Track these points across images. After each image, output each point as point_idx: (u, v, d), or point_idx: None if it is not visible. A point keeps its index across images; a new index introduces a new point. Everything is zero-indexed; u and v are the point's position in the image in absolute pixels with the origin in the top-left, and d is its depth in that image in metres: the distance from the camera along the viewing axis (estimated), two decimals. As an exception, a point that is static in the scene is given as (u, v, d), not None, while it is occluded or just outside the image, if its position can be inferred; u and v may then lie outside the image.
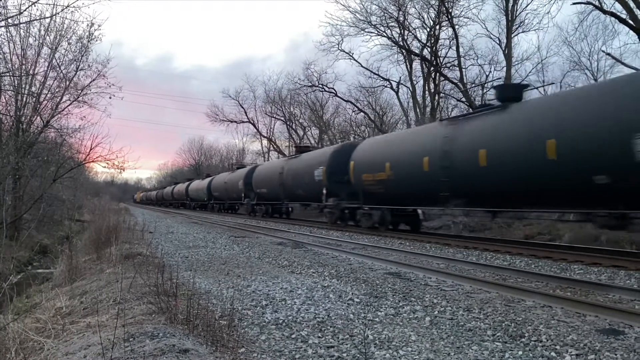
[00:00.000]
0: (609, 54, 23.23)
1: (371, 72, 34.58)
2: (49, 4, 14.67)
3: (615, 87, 10.03)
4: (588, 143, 9.48)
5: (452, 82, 29.85)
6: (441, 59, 30.77)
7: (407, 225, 17.63)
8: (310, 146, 32.70)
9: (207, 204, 44.33)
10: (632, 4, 17.85)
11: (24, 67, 19.54)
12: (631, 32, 19.19)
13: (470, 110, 15.07)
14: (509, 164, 11.35)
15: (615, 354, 4.11)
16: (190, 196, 51.06)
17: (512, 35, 26.77)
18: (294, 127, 50.56)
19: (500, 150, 11.62)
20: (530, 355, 4.15)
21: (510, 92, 13.15)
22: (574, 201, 10.60)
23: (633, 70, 20.25)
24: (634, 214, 9.30)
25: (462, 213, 14.37)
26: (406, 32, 30.78)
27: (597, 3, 19.78)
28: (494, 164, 11.74)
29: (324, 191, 20.23)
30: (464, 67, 28.98)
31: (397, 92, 35.26)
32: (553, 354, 4.17)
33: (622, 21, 18.96)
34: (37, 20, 17.00)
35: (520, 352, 4.21)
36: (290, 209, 28.04)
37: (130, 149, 31.97)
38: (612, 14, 19.42)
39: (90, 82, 20.18)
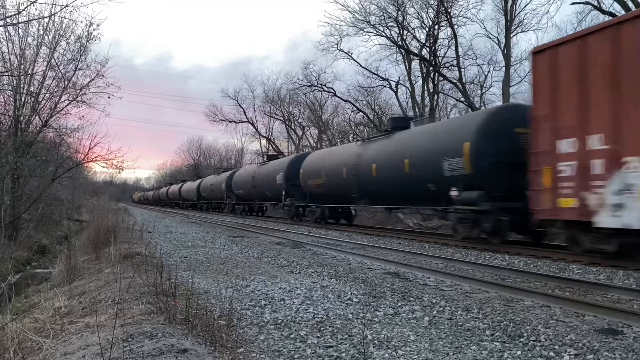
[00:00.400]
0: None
1: (370, 71, 34.65)
2: (48, 4, 14.73)
3: (437, 125, 16.09)
4: (424, 162, 14.01)
5: (451, 82, 29.90)
6: (440, 58, 30.81)
7: (344, 219, 22.49)
8: (277, 154, 37.55)
9: (197, 204, 48.02)
10: (630, 4, 17.90)
11: (22, 66, 19.54)
12: (630, 32, 19.19)
13: (384, 129, 19.37)
14: (387, 175, 15.96)
15: (614, 354, 4.11)
16: (182, 196, 54.54)
17: (511, 35, 26.81)
18: (292, 127, 50.62)
19: (383, 165, 16.26)
20: (529, 355, 4.15)
21: (399, 123, 17.57)
22: (422, 201, 14.98)
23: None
24: (451, 209, 13.21)
25: (368, 209, 20.48)
26: (405, 32, 30.83)
27: (595, 3, 19.85)
28: (380, 175, 16.40)
29: (283, 192, 24.57)
30: (462, 67, 29.08)
31: (396, 92, 35.32)
32: (552, 353, 4.17)
33: (621, 21, 18.97)
34: (35, 19, 17.04)
35: (519, 352, 4.21)
36: (265, 207, 31.90)
37: (128, 149, 32.17)
38: (611, 14, 19.44)
39: (89, 82, 20.22)
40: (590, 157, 8.92)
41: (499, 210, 11.74)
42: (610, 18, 19.81)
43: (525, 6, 26.73)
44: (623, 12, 18.38)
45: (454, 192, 12.94)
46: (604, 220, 8.64)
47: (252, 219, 28.91)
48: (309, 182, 21.85)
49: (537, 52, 10.28)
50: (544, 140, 9.83)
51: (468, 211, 12.50)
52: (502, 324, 5.05)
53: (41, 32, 19.78)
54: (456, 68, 28.80)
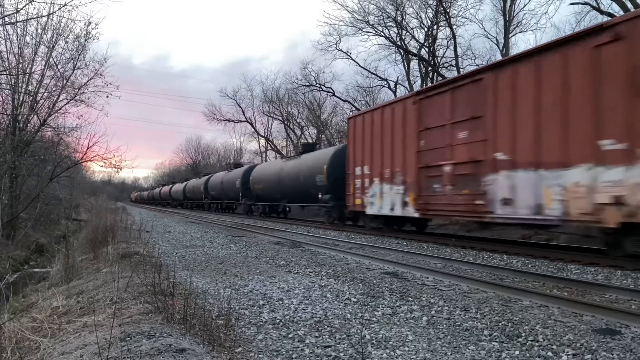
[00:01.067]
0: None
1: (369, 71, 34.72)
2: (46, 3, 14.78)
3: (317, 153, 23.48)
4: (308, 176, 21.91)
5: (450, 82, 29.86)
6: (439, 59, 30.86)
7: (279, 214, 29.78)
8: (240, 163, 43.36)
9: (183, 203, 51.48)
10: (629, 5, 17.91)
11: (20, 65, 19.51)
12: (628, 32, 19.21)
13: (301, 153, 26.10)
14: (293, 184, 23.84)
15: (612, 354, 4.11)
16: (172, 197, 58.49)
17: (510, 35, 26.87)
18: (291, 126, 50.60)
19: (291, 177, 24.23)
20: (527, 355, 4.16)
21: (307, 147, 25.93)
22: (309, 201, 22.48)
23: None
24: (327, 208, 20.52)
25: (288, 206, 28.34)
26: (404, 32, 30.86)
27: (594, 3, 19.87)
28: (289, 183, 24.36)
29: (240, 194, 32.49)
30: (461, 67, 29.06)
31: (394, 92, 35.28)
32: (550, 353, 4.17)
33: (619, 22, 18.99)
34: (34, 18, 17.02)
35: (517, 352, 4.21)
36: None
37: (127, 148, 32.11)
38: (610, 15, 19.46)
39: (88, 81, 20.23)
40: (364, 178, 16.83)
41: (340, 205, 19.19)
42: (609, 19, 19.87)
43: (524, 6, 26.85)
44: (622, 12, 18.40)
45: (319, 195, 20.65)
46: (368, 210, 16.50)
47: (250, 218, 28.86)
48: (255, 186, 30.33)
49: (350, 118, 18.78)
50: (350, 167, 17.85)
51: (326, 206, 20.49)
52: (500, 324, 5.05)
53: (39, 31, 19.77)
54: (455, 68, 28.84)
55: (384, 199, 15.48)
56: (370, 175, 16.35)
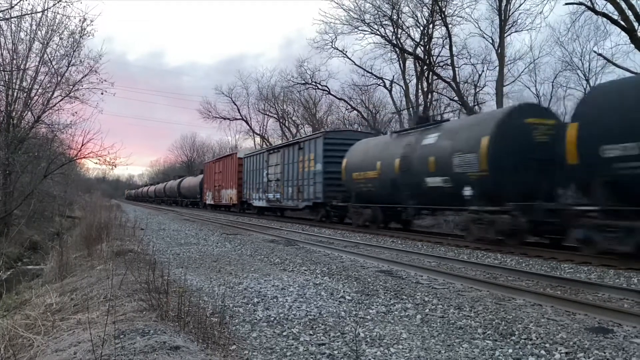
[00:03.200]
0: (600, 55, 23.40)
1: (364, 70, 34.62)
2: (41, -2, 14.57)
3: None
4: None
5: (445, 81, 29.94)
6: (434, 57, 30.84)
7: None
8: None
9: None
10: (623, 5, 17.97)
11: (14, 61, 19.39)
12: (622, 32, 19.30)
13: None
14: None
15: (604, 352, 4.14)
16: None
17: (505, 35, 26.87)
18: (287, 124, 50.55)
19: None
20: (520, 353, 4.18)
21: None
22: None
23: (623, 71, 20.46)
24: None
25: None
26: (400, 30, 30.83)
27: (589, 4, 19.90)
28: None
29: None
30: (457, 66, 29.06)
31: (390, 91, 35.32)
32: (543, 352, 4.19)
33: (614, 22, 19.08)
34: (28, 14, 16.90)
35: (510, 350, 4.23)
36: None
37: (122, 145, 31.88)
38: (604, 15, 19.53)
39: (82, 78, 20.12)
40: (212, 188, 38.90)
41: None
42: (604, 19, 19.97)
43: (519, 6, 26.78)
44: (616, 13, 18.47)
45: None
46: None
47: (245, 216, 28.79)
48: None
49: (205, 163, 43.06)
50: (205, 185, 41.56)
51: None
52: (493, 322, 5.07)
53: (34, 27, 19.64)
54: (450, 67, 28.83)
55: (222, 197, 35.29)
56: (214, 187, 37.40)
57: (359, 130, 30.20)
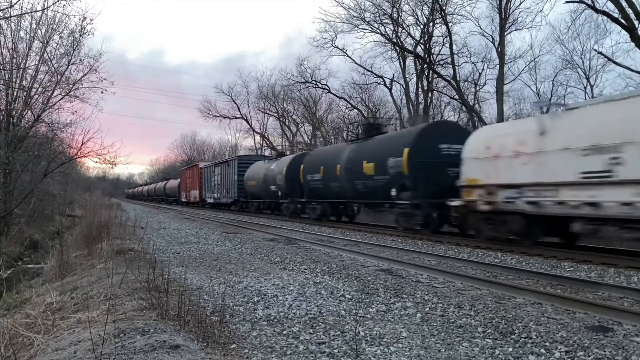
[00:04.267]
0: (600, 53, 23.40)
1: (365, 68, 34.64)
2: (41, -3, 14.55)
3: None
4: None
5: (445, 80, 29.94)
6: (434, 56, 30.85)
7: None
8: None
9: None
10: (624, 3, 17.94)
11: (14, 60, 19.40)
12: (623, 31, 19.28)
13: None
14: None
15: (604, 351, 4.14)
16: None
17: (505, 33, 26.88)
18: (287, 123, 50.57)
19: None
20: (520, 352, 4.18)
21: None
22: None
23: (623, 69, 20.44)
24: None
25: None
26: (400, 29, 30.84)
27: (589, 2, 19.87)
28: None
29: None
30: (457, 64, 29.08)
31: (390, 89, 35.35)
32: (543, 350, 4.20)
33: (614, 20, 19.06)
34: (28, 13, 16.90)
35: (510, 349, 4.23)
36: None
37: (122, 144, 31.88)
38: (604, 13, 19.51)
39: (82, 77, 20.10)
40: (186, 189, 48.02)
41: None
42: (604, 17, 19.94)
43: (519, 4, 26.77)
44: (616, 11, 18.44)
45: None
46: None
47: (245, 215, 28.83)
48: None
49: (182, 169, 52.76)
50: (182, 186, 49.58)
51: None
52: (493, 321, 5.07)
53: (34, 25, 19.65)
54: (450, 66, 28.85)
55: (191, 196, 44.34)
56: (186, 188, 46.34)
57: (260, 154, 42.17)
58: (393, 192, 15.41)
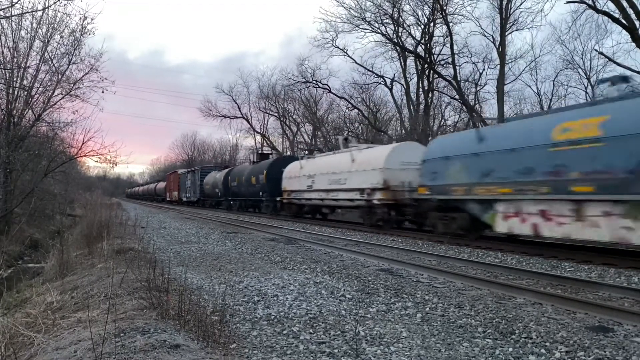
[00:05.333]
0: (601, 53, 23.41)
1: (365, 68, 34.65)
2: (42, -4, 14.54)
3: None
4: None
5: (446, 80, 29.93)
6: (435, 56, 30.87)
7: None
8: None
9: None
10: (625, 4, 17.94)
11: (15, 60, 19.36)
12: (624, 31, 19.27)
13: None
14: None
15: (604, 351, 4.14)
16: (143, 193, 73.47)
17: (506, 34, 26.90)
18: (287, 123, 50.55)
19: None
20: (521, 352, 4.18)
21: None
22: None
23: (624, 70, 20.41)
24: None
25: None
26: (400, 29, 30.85)
27: (590, 2, 19.87)
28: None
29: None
30: (457, 64, 29.09)
31: (391, 89, 35.34)
32: (543, 350, 4.20)
33: (615, 20, 19.05)
34: (29, 12, 16.84)
35: (510, 349, 4.23)
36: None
37: (122, 144, 31.74)
38: (605, 13, 19.51)
39: (83, 76, 20.01)
40: (170, 190, 56.66)
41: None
42: (605, 17, 19.93)
43: (520, 4, 26.80)
44: (617, 11, 18.44)
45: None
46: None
47: (246, 215, 28.84)
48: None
49: (167, 174, 62.49)
50: (169, 188, 56.97)
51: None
52: (494, 321, 5.07)
53: (35, 25, 19.58)
54: (451, 66, 28.85)
55: (173, 196, 53.07)
56: (170, 189, 54.75)
57: (218, 164, 51.79)
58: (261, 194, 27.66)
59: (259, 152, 40.88)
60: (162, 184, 64.44)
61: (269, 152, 42.91)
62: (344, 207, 21.00)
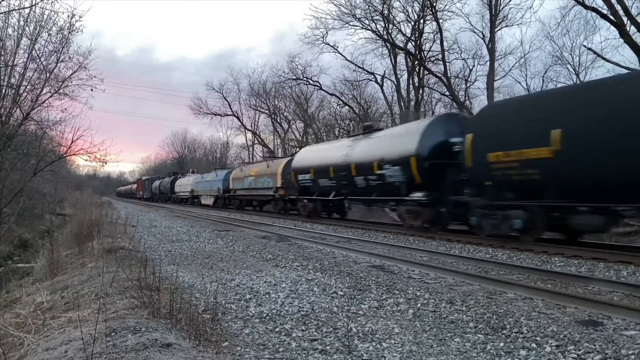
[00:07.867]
0: (590, 49, 23.50)
1: (356, 65, 34.64)
2: (29, -7, 14.38)
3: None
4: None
5: (436, 76, 30.00)
6: (425, 52, 30.90)
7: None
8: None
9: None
10: (612, 0, 18.04)
11: (2, 58, 19.14)
12: (612, 27, 19.39)
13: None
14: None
15: (594, 345, 4.18)
16: (126, 192, 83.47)
17: (496, 30, 26.95)
18: (278, 120, 50.47)
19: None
20: (512, 346, 4.21)
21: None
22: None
23: (613, 65, 20.58)
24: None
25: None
26: (391, 25, 30.87)
27: (578, -2, 19.96)
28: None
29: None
30: (447, 61, 29.17)
31: (381, 86, 35.38)
32: (534, 345, 4.23)
33: (603, 16, 19.16)
34: (16, 10, 16.70)
35: (501, 344, 4.26)
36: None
37: (112, 142, 31.60)
38: (594, 9, 19.61)
39: (71, 74, 19.82)
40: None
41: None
42: (593, 13, 20.05)
43: (509, 1, 26.85)
44: (605, 7, 18.55)
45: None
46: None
47: (237, 213, 28.80)
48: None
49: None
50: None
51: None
52: (485, 316, 5.10)
53: (22, 23, 19.36)
54: (441, 62, 28.92)
55: (139, 194, 70.03)
56: (138, 189, 69.92)
57: (166, 175, 61.90)
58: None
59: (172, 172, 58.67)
60: (134, 185, 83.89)
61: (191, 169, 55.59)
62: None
